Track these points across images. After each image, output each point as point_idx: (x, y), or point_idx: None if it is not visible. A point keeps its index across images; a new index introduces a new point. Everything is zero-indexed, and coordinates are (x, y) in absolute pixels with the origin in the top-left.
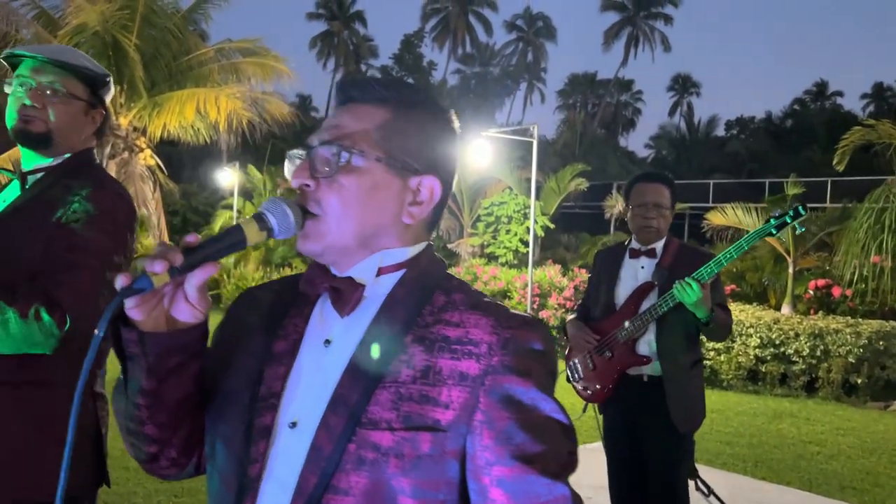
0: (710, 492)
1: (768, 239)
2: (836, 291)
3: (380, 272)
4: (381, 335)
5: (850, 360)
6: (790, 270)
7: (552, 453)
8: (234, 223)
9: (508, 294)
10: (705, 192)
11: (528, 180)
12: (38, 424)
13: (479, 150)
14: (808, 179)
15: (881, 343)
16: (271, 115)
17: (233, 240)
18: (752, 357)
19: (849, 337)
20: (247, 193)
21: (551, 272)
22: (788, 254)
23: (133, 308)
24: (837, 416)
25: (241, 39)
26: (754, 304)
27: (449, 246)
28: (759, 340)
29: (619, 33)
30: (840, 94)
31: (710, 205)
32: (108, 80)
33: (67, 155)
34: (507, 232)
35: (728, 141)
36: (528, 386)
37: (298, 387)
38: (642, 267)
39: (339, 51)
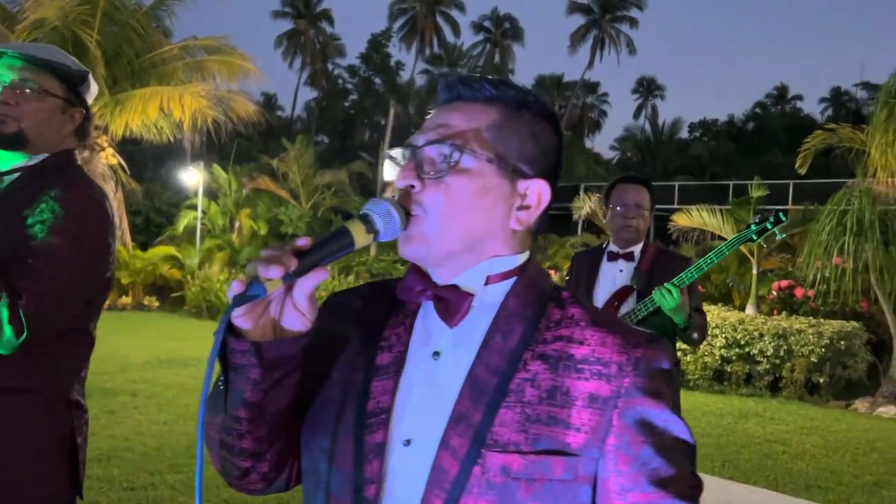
0: None
1: None
2: (799, 292)
3: (487, 280)
4: (498, 350)
5: (813, 359)
6: (754, 272)
7: (684, 476)
8: (341, 226)
9: None
10: (670, 193)
11: None
12: (10, 431)
13: None
14: (770, 182)
15: (842, 343)
16: (237, 114)
17: (342, 243)
18: (717, 357)
19: (811, 337)
20: (211, 193)
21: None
22: (752, 255)
23: (241, 316)
24: (801, 416)
25: (207, 37)
26: (719, 304)
27: None
28: (724, 341)
29: (585, 36)
30: (800, 97)
31: (676, 206)
32: (86, 76)
33: (45, 155)
34: None
35: (691, 143)
36: (661, 408)
37: (408, 402)
38: (620, 270)
39: (305, 49)
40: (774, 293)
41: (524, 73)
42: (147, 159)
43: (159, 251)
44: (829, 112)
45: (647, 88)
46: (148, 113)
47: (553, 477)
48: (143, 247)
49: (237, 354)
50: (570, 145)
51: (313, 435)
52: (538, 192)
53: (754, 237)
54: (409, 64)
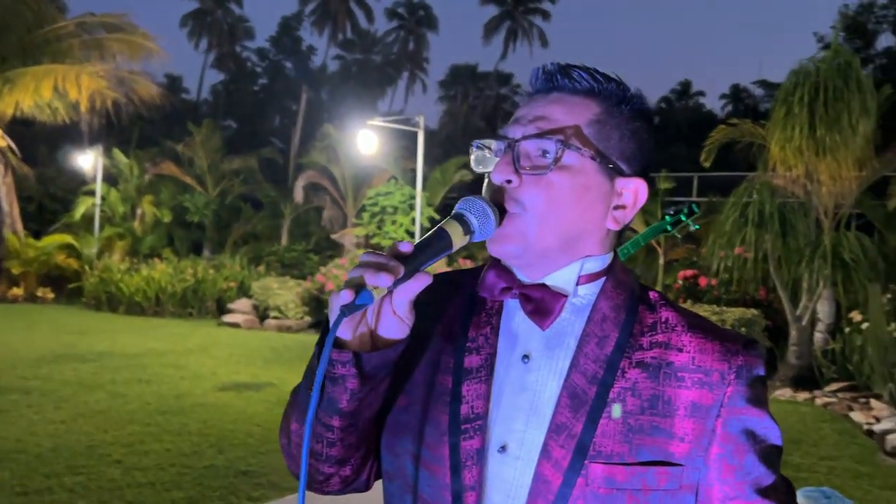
0: None
1: (640, 230)
2: (703, 281)
3: (578, 281)
4: (594, 357)
5: None
6: (661, 261)
7: (782, 482)
8: (437, 228)
9: None
10: None
11: (413, 170)
12: None
13: (365, 139)
14: (676, 175)
15: (743, 329)
16: (139, 96)
17: (441, 245)
18: None
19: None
20: (111, 179)
21: (436, 263)
22: (659, 245)
23: (342, 326)
24: None
25: (105, 14)
26: None
27: (333, 237)
28: None
29: (498, 27)
30: (702, 93)
31: None
32: None
33: None
34: (393, 223)
35: None
36: (762, 415)
37: (500, 407)
38: None
39: (212, 30)
40: (680, 282)
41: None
42: (40, 142)
43: (54, 240)
44: (729, 108)
45: None
46: (41, 92)
47: (657, 487)
48: (37, 235)
49: (337, 366)
50: (484, 135)
51: (398, 437)
52: (635, 191)
53: (669, 228)
54: (322, 49)
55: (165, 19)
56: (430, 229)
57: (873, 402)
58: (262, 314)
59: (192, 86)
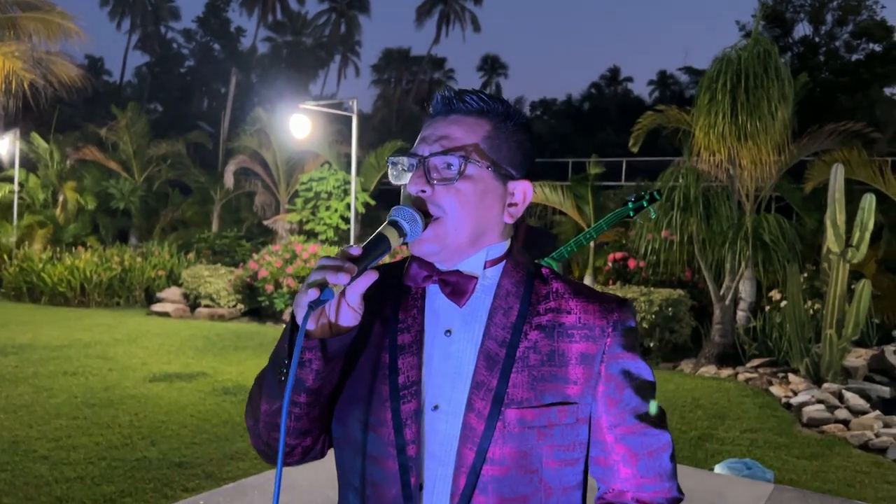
0: None
1: (571, 214)
2: (632, 263)
3: (485, 265)
4: (502, 325)
5: (644, 325)
6: (591, 244)
7: (656, 409)
8: (380, 232)
9: None
10: None
11: (347, 155)
12: None
13: (298, 123)
14: (606, 160)
15: (670, 309)
16: (58, 78)
17: (382, 248)
18: None
19: (643, 304)
20: (30, 164)
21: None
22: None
23: (308, 319)
24: None
25: None
26: None
27: (265, 223)
28: None
29: (430, 10)
30: (630, 79)
31: None
32: None
33: None
34: (328, 208)
35: (532, 122)
36: (635, 359)
37: (431, 374)
38: None
39: (135, 10)
40: (610, 264)
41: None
42: None
43: None
44: (657, 94)
45: (492, 66)
46: None
47: (559, 422)
48: None
49: (306, 351)
50: (418, 120)
51: (347, 408)
52: (524, 191)
53: (631, 213)
54: (251, 30)
55: None
56: (364, 215)
57: (791, 376)
58: (192, 303)
59: (114, 68)
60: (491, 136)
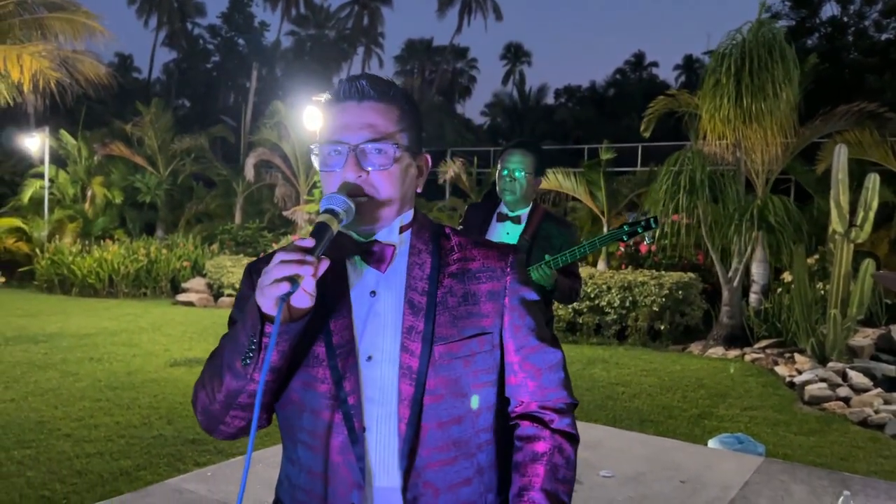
0: None
1: (585, 200)
2: (644, 248)
3: (400, 230)
4: (420, 277)
5: (655, 308)
6: (605, 229)
7: (548, 329)
8: (321, 221)
9: None
10: None
11: None
12: None
13: (311, 116)
14: (620, 145)
15: (680, 292)
16: (84, 76)
17: (327, 235)
18: (570, 310)
19: (653, 288)
20: (59, 161)
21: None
22: (603, 214)
23: (273, 306)
24: (643, 360)
25: None
26: None
27: (285, 213)
28: None
29: (452, 1)
30: (656, 64)
31: None
32: None
33: None
34: None
35: (557, 109)
36: (528, 289)
37: (363, 332)
38: (507, 233)
39: (161, 8)
40: (622, 249)
41: (393, 36)
42: None
43: (3, 223)
44: (683, 78)
45: (515, 55)
46: None
47: (479, 350)
48: None
49: (268, 334)
50: (439, 110)
51: (290, 372)
52: (426, 161)
53: (625, 238)
54: (275, 25)
55: None
56: None
57: (797, 356)
58: (216, 292)
59: (142, 64)
60: (402, 119)
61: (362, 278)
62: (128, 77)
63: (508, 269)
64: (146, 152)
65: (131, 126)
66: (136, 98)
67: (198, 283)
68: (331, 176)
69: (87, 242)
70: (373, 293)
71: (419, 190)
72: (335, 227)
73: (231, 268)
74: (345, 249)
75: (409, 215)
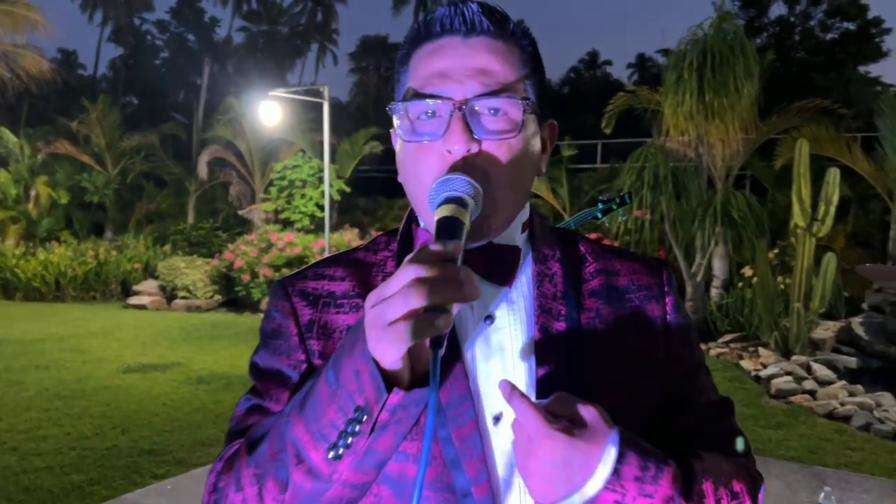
0: None
1: (546, 197)
2: (606, 243)
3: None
4: (552, 296)
5: None
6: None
7: (702, 355)
8: (448, 216)
9: (306, 259)
10: None
11: (322, 143)
12: None
13: (269, 111)
14: (581, 142)
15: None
16: (26, 72)
17: (462, 234)
18: None
19: None
20: (0, 160)
21: (349, 236)
22: (565, 211)
23: (401, 358)
24: None
25: None
26: None
27: (240, 213)
28: None
29: None
30: (609, 63)
31: None
32: None
33: None
34: (303, 196)
35: None
36: (686, 314)
37: (478, 377)
38: None
39: (107, 3)
40: None
41: (348, 33)
42: None
43: None
44: (636, 76)
45: None
46: None
47: (643, 390)
48: None
49: (399, 410)
50: None
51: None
52: (553, 132)
53: (599, 215)
54: (226, 20)
55: None
56: (340, 202)
57: (761, 350)
58: (169, 295)
59: (88, 61)
60: (526, 67)
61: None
62: (72, 73)
63: (667, 288)
64: (93, 150)
65: (77, 123)
66: (81, 95)
67: (150, 285)
68: (420, 151)
69: (31, 244)
70: (489, 318)
71: (543, 173)
72: (467, 222)
73: (184, 269)
74: None
75: (527, 208)
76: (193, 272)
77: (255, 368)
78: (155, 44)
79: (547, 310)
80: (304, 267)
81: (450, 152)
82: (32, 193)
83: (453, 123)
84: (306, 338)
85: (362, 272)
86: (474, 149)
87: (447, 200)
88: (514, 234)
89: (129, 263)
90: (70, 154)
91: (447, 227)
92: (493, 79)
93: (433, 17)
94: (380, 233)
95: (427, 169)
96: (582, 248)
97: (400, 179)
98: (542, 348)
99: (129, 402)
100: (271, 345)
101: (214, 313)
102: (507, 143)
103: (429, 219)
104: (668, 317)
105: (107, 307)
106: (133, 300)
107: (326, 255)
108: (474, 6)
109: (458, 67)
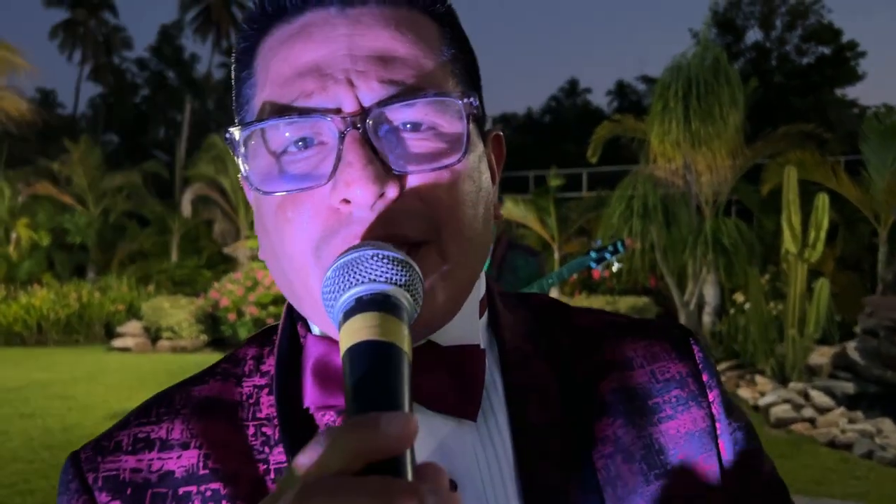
0: None
1: (535, 227)
2: (596, 273)
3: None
4: (544, 421)
5: None
6: (556, 255)
7: (771, 468)
8: (368, 341)
9: None
10: None
11: None
12: None
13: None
14: (566, 171)
15: (636, 316)
16: (6, 113)
17: (403, 371)
18: None
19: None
20: None
21: None
22: (553, 240)
23: None
24: None
25: None
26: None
27: (225, 250)
28: None
29: None
30: (589, 90)
31: None
32: None
33: None
34: None
35: None
36: (738, 409)
37: None
38: None
39: (86, 42)
40: (575, 275)
41: None
42: None
43: None
44: (616, 104)
45: None
46: None
47: None
48: None
49: None
50: None
51: None
52: (501, 143)
53: (593, 264)
54: (206, 57)
55: (33, 31)
56: None
57: (758, 377)
58: (154, 336)
59: (68, 100)
60: (450, 45)
61: (424, 439)
62: (52, 113)
63: (705, 376)
64: (74, 191)
65: (58, 164)
66: (61, 134)
67: (134, 326)
68: (294, 207)
69: (12, 288)
70: (453, 485)
71: (497, 220)
72: (406, 347)
73: (169, 309)
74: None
75: (482, 282)
76: (178, 312)
77: None
78: (135, 81)
79: (543, 453)
80: (117, 425)
81: (348, 203)
82: (13, 236)
83: (348, 153)
84: None
85: (219, 425)
86: (391, 193)
87: (360, 305)
88: (469, 324)
89: (113, 305)
90: (51, 195)
91: (371, 376)
92: (404, 70)
93: None
94: (244, 344)
95: (307, 239)
96: (577, 323)
97: (262, 257)
98: None
99: None
100: None
101: (200, 354)
102: (447, 174)
103: (324, 321)
104: (715, 425)
105: (91, 350)
106: (117, 342)
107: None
108: None
109: (340, 57)
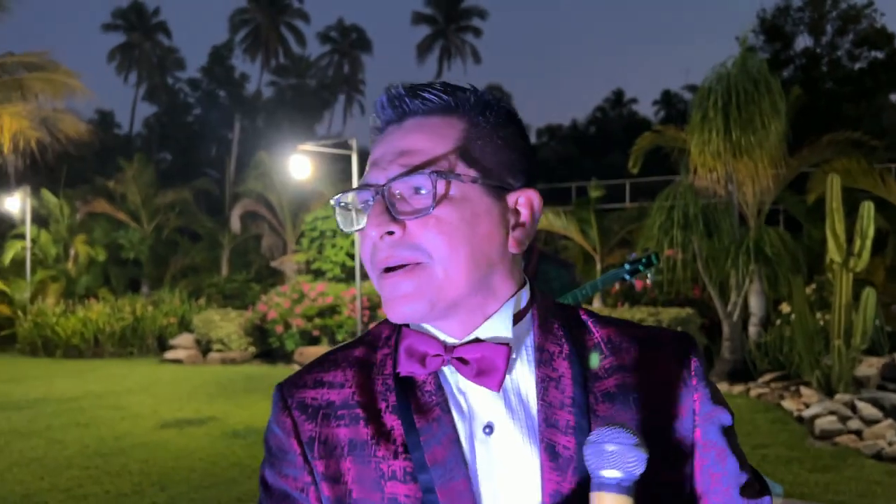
0: None
1: (577, 238)
2: (639, 284)
3: (515, 319)
4: (560, 404)
5: None
6: (598, 267)
7: (751, 472)
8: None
9: (338, 309)
10: None
11: None
12: None
13: (298, 165)
14: (608, 182)
15: (679, 328)
16: (65, 134)
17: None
18: None
19: (652, 325)
20: (41, 220)
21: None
22: (595, 251)
23: None
24: None
25: (26, 53)
26: None
27: (272, 264)
28: None
29: (431, 46)
30: (635, 101)
31: None
32: None
33: None
34: (333, 246)
35: (540, 148)
36: (723, 409)
37: (484, 498)
38: None
39: (141, 64)
40: (618, 286)
41: (374, 83)
42: None
43: None
44: (662, 113)
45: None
46: None
47: None
48: None
49: None
50: None
51: None
52: (530, 204)
53: (627, 276)
54: (255, 76)
55: (92, 55)
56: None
57: (803, 389)
58: (204, 348)
59: (123, 120)
60: (468, 136)
61: (468, 403)
62: (109, 133)
63: (694, 381)
64: (129, 208)
65: (114, 182)
66: (117, 154)
67: (185, 339)
68: (362, 238)
69: (70, 302)
70: (487, 428)
71: (514, 249)
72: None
73: (219, 322)
74: (427, 358)
75: (522, 295)
76: (228, 325)
77: (263, 483)
78: (187, 101)
79: (553, 423)
80: (303, 370)
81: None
82: (71, 252)
83: (372, 210)
84: (310, 458)
85: (362, 375)
86: (397, 231)
87: (618, 489)
88: (504, 329)
89: (165, 318)
90: (107, 212)
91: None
92: (415, 157)
93: (378, 107)
94: (380, 324)
95: (366, 255)
96: (597, 334)
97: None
98: (549, 468)
99: (166, 458)
100: (277, 464)
101: (249, 365)
102: (432, 219)
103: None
104: (695, 417)
105: (144, 362)
106: (169, 355)
107: (358, 303)
108: (401, 88)
109: (386, 154)
